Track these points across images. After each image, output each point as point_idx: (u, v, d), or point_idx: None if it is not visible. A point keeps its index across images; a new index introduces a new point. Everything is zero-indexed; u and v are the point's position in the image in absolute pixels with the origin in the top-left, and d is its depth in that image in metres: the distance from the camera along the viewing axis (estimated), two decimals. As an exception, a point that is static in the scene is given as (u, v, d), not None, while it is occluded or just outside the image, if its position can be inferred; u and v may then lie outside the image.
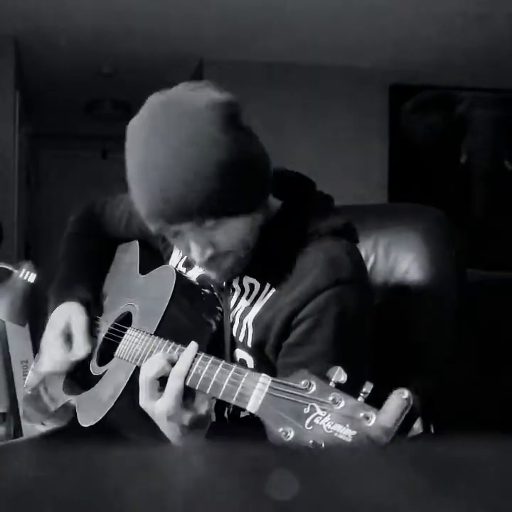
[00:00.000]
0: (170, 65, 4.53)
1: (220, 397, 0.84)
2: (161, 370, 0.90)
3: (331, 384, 0.73)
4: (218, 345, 1.05)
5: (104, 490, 0.23)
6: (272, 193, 1.08)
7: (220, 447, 0.28)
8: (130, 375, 1.01)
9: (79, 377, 1.20)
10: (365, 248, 1.28)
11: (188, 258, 1.05)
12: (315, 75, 4.47)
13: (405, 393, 0.67)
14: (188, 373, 0.88)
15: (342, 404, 0.71)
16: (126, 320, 1.15)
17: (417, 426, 0.68)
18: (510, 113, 4.65)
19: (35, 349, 1.26)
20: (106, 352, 1.16)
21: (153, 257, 1.24)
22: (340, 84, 4.52)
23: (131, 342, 1.05)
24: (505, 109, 4.64)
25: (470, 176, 4.63)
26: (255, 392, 0.78)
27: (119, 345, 1.09)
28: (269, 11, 3.70)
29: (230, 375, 0.83)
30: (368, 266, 1.27)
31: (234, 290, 1.06)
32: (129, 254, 1.28)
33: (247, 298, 1.04)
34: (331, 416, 0.71)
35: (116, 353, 1.09)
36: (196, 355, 0.88)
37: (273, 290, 1.02)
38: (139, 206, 0.98)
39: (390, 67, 4.45)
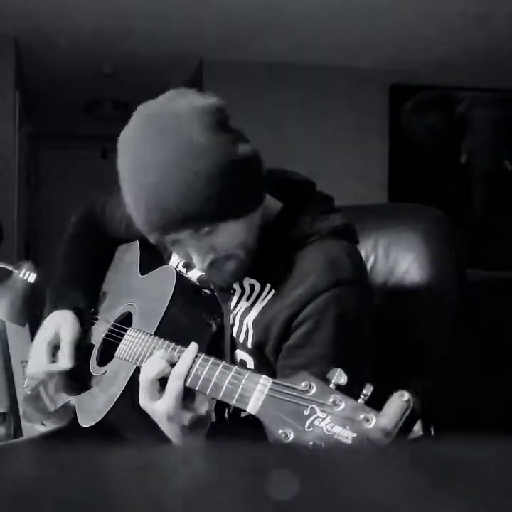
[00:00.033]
0: (170, 65, 4.53)
1: (220, 398, 0.84)
2: (161, 371, 0.90)
3: (331, 386, 0.72)
4: (219, 345, 1.05)
5: (104, 490, 0.23)
6: (272, 194, 1.08)
7: (220, 447, 0.28)
8: (130, 375, 1.01)
9: (79, 377, 1.20)
10: (365, 248, 1.28)
11: (190, 265, 1.05)
12: (315, 75, 4.47)
13: (405, 395, 0.67)
14: (188, 374, 0.88)
15: (342, 406, 0.71)
16: (126, 320, 1.15)
17: (417, 428, 0.68)
18: (510, 113, 4.65)
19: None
20: (106, 352, 1.16)
21: (153, 257, 1.24)
22: (340, 84, 4.52)
23: (131, 342, 1.05)
24: (505, 109, 4.64)
25: (470, 176, 4.63)
26: (255, 394, 0.78)
27: (119, 346, 1.09)
28: (269, 11, 3.70)
29: (230, 376, 0.83)
30: (368, 266, 1.27)
31: (234, 291, 1.06)
32: (130, 254, 1.28)
33: (248, 299, 1.04)
34: (331, 418, 0.71)
35: (117, 353, 1.09)
36: (196, 356, 0.88)
37: (273, 291, 1.02)
38: (135, 219, 0.98)
39: (390, 67, 4.45)
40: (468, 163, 4.63)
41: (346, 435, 0.69)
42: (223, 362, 0.86)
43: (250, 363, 1.04)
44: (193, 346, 0.90)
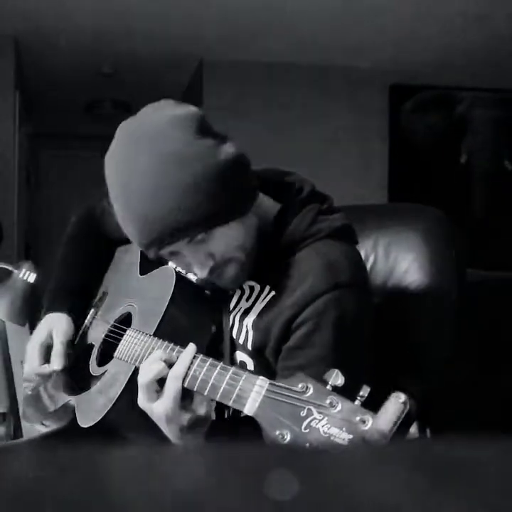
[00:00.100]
0: (170, 65, 4.53)
1: (217, 399, 0.84)
2: (158, 373, 0.89)
3: (328, 387, 0.73)
4: (218, 347, 1.05)
5: (104, 490, 0.23)
6: (270, 195, 1.08)
7: (220, 447, 0.28)
8: (129, 375, 1.01)
9: (79, 377, 1.20)
10: (365, 248, 1.28)
11: (192, 276, 1.05)
12: (315, 75, 4.47)
13: (402, 397, 0.67)
14: (186, 375, 0.88)
15: (339, 407, 0.71)
16: (126, 320, 1.15)
17: (414, 430, 0.68)
18: (510, 113, 4.65)
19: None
20: (106, 352, 1.16)
21: None
22: (340, 84, 4.52)
23: (131, 343, 1.05)
24: (505, 109, 4.64)
25: (470, 176, 4.63)
26: (253, 395, 0.78)
27: (119, 346, 1.09)
28: (269, 11, 3.70)
29: (227, 377, 0.83)
30: (368, 266, 1.27)
31: (234, 292, 1.06)
32: (129, 254, 1.28)
33: (247, 300, 1.04)
34: (328, 419, 0.71)
35: (116, 353, 1.09)
36: (195, 357, 0.88)
37: (273, 292, 1.01)
38: (130, 236, 0.99)
39: (390, 67, 4.45)
40: (468, 163, 4.63)
41: (343, 437, 0.69)
42: (221, 363, 0.86)
43: (250, 364, 1.04)
44: (192, 347, 0.90)
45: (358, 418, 0.69)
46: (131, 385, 0.95)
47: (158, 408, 0.89)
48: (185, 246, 0.96)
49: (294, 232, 1.03)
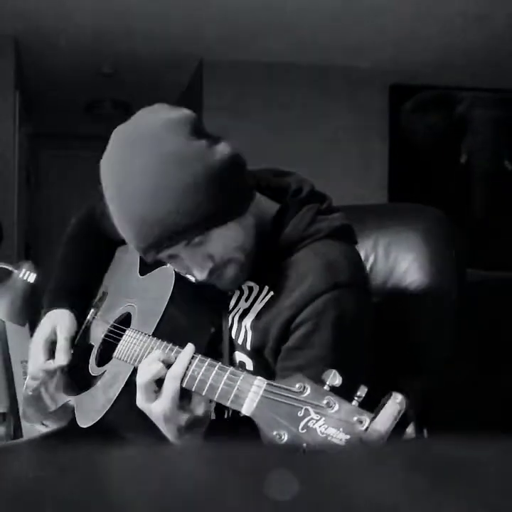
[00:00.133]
0: (170, 65, 4.53)
1: (215, 399, 0.84)
2: (157, 373, 0.89)
3: (326, 387, 0.73)
4: (217, 347, 1.05)
5: (104, 490, 0.23)
6: (268, 195, 1.08)
7: (220, 447, 0.28)
8: (128, 376, 1.01)
9: (78, 377, 1.20)
10: (365, 248, 1.28)
11: (192, 277, 1.05)
12: (315, 75, 4.47)
13: (398, 397, 0.67)
14: (185, 375, 0.87)
15: (336, 407, 0.71)
16: (125, 321, 1.15)
17: (410, 430, 0.68)
18: (510, 113, 4.65)
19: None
20: (105, 353, 1.16)
21: None
22: (340, 84, 4.52)
23: (130, 343, 1.05)
24: (505, 109, 4.64)
25: (470, 176, 4.63)
26: (250, 395, 0.78)
27: (118, 346, 1.09)
28: (269, 11, 3.70)
29: (225, 377, 0.83)
30: (368, 266, 1.27)
31: (233, 292, 1.06)
32: (129, 254, 1.28)
33: (246, 300, 1.04)
34: (325, 419, 0.71)
35: (115, 353, 1.09)
36: (193, 357, 0.88)
37: (271, 293, 1.01)
38: (127, 240, 0.99)
39: (390, 67, 4.45)
40: (468, 163, 4.63)
41: (340, 437, 0.69)
42: (219, 363, 0.86)
43: (249, 364, 1.04)
44: (190, 347, 0.90)
45: (355, 418, 0.69)
46: (131, 386, 0.95)
47: (156, 408, 0.89)
48: (183, 249, 0.96)
49: (292, 232, 1.03)
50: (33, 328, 1.81)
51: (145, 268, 1.19)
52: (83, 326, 1.26)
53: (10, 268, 1.74)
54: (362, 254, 1.27)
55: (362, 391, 0.70)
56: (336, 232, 1.03)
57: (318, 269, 0.97)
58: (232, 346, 1.05)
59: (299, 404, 0.73)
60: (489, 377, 2.13)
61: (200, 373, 0.86)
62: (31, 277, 1.72)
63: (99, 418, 1.02)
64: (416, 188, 4.39)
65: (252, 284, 1.04)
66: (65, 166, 6.00)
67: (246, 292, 1.04)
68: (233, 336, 1.05)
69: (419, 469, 0.25)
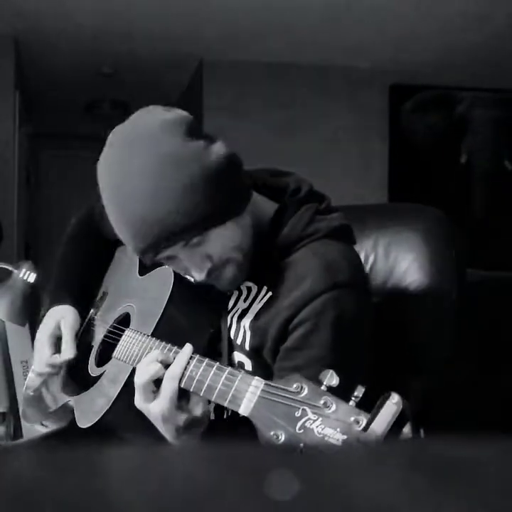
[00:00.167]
0: (170, 65, 4.53)
1: (213, 399, 0.84)
2: (155, 373, 0.89)
3: (323, 387, 0.73)
4: (216, 347, 1.05)
5: (104, 490, 0.23)
6: (267, 195, 1.08)
7: (220, 447, 0.28)
8: (127, 376, 1.01)
9: (78, 378, 1.20)
10: (365, 248, 1.28)
11: (190, 278, 1.05)
12: (315, 75, 4.47)
13: (395, 398, 0.67)
14: (183, 375, 0.87)
15: (333, 408, 0.71)
16: (125, 321, 1.15)
17: (407, 430, 0.68)
18: (510, 113, 4.65)
19: (35, 351, 1.26)
20: (105, 353, 1.16)
21: None
22: (340, 84, 4.52)
23: (129, 343, 1.05)
24: (505, 109, 4.64)
25: (470, 176, 4.63)
26: (248, 395, 0.78)
27: (117, 347, 1.09)
28: (269, 11, 3.70)
29: (223, 377, 0.83)
30: (368, 266, 1.27)
31: (232, 292, 1.06)
32: (129, 254, 1.28)
33: (245, 301, 1.04)
34: (322, 420, 0.71)
35: (114, 354, 1.09)
36: (191, 357, 0.88)
37: (270, 293, 1.01)
38: (124, 241, 0.99)
39: (390, 67, 4.45)
40: (468, 163, 4.63)
41: (337, 437, 0.69)
42: (217, 363, 0.86)
43: (248, 364, 1.03)
44: (188, 347, 0.90)
45: (352, 419, 0.69)
46: (130, 386, 0.95)
47: (154, 408, 0.89)
48: (180, 250, 0.96)
49: (290, 232, 1.02)
50: (33, 328, 1.81)
51: (144, 268, 1.19)
52: (83, 326, 1.26)
53: (10, 268, 1.74)
54: (362, 254, 1.27)
55: (359, 391, 0.70)
56: (334, 232, 1.03)
57: (316, 270, 0.97)
58: (231, 346, 1.05)
59: (296, 404, 0.73)
60: (489, 377, 2.13)
61: (198, 374, 0.86)
62: (31, 277, 1.72)
63: (98, 419, 1.02)
64: (416, 188, 4.39)
65: (250, 284, 1.04)
66: (65, 166, 6.00)
67: (245, 292, 1.04)
68: (232, 336, 1.05)
69: (419, 469, 0.25)
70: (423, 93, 4.57)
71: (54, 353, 1.17)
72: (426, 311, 1.21)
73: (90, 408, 1.06)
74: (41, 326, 1.22)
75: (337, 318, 0.95)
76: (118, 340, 1.10)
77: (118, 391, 1.01)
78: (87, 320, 1.27)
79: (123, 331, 1.11)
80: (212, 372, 0.85)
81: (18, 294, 1.73)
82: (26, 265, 1.74)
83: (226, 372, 0.83)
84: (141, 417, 0.92)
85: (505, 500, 0.23)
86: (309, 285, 0.96)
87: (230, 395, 0.81)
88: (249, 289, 1.04)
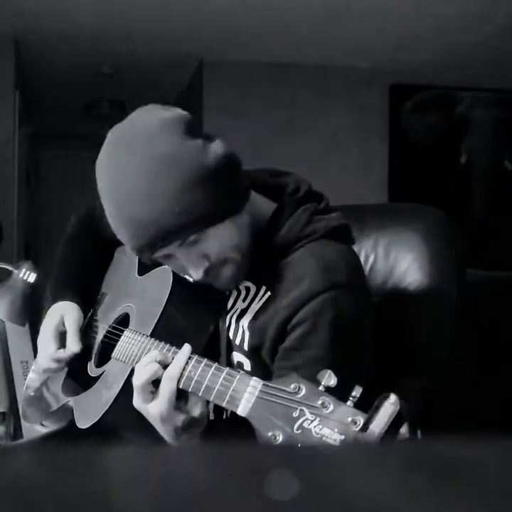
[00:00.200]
0: (170, 65, 4.53)
1: (211, 399, 0.84)
2: (153, 374, 0.89)
3: (321, 388, 0.73)
4: (215, 347, 1.05)
5: (104, 490, 0.23)
6: (265, 195, 1.08)
7: (220, 447, 0.28)
8: (126, 376, 1.00)
9: (77, 378, 1.20)
10: (365, 248, 1.28)
11: (189, 277, 1.05)
12: (315, 75, 4.47)
13: (393, 398, 0.67)
14: (181, 375, 0.87)
15: (331, 408, 0.71)
16: (124, 321, 1.15)
17: (404, 431, 0.68)
18: (510, 113, 4.65)
19: (35, 349, 1.25)
20: (104, 353, 1.16)
21: None
22: (340, 84, 4.52)
23: (128, 343, 1.05)
24: (505, 109, 4.64)
25: (470, 176, 4.63)
26: (246, 396, 0.78)
27: (116, 347, 1.09)
28: (269, 11, 3.70)
29: (221, 378, 0.83)
30: (368, 266, 1.27)
31: (230, 292, 1.06)
32: (128, 254, 1.28)
33: (243, 301, 1.04)
34: (320, 420, 0.71)
35: (114, 354, 1.09)
36: (190, 358, 0.88)
37: (269, 293, 1.01)
38: (122, 239, 0.99)
39: (390, 67, 4.45)
40: (468, 163, 4.63)
41: (334, 437, 0.69)
42: (216, 364, 0.86)
43: (247, 364, 1.03)
44: (187, 348, 0.90)
45: (349, 419, 0.69)
46: (129, 386, 0.95)
47: (153, 409, 0.89)
48: (178, 248, 0.96)
49: (289, 232, 1.02)
50: (33, 328, 1.81)
51: (143, 268, 1.19)
52: (82, 326, 1.26)
53: (10, 268, 1.74)
54: (362, 254, 1.27)
55: (357, 391, 0.70)
56: (333, 232, 1.03)
57: (314, 270, 0.97)
58: (230, 346, 1.05)
59: (294, 404, 0.73)
60: (489, 377, 2.13)
61: (197, 374, 0.86)
62: (31, 277, 1.72)
63: (97, 419, 1.02)
64: (416, 188, 4.39)
65: (249, 284, 1.04)
66: (65, 166, 6.00)
67: (243, 292, 1.04)
68: (231, 337, 1.05)
69: (419, 469, 0.25)
70: (423, 93, 4.57)
71: (59, 348, 1.17)
72: (426, 311, 1.21)
73: (89, 409, 1.06)
74: (44, 321, 1.21)
75: (335, 319, 0.95)
76: (117, 341, 1.10)
77: (117, 391, 1.01)
78: (86, 320, 1.27)
79: (122, 331, 1.11)
80: (210, 372, 0.85)
81: (18, 294, 1.73)
82: (26, 265, 1.74)
83: (224, 373, 0.83)
84: (140, 417, 0.92)
85: (505, 500, 0.23)
86: (307, 285, 0.96)
87: (228, 395, 0.81)
88: (247, 289, 1.04)
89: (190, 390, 0.87)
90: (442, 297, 1.19)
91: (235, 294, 1.05)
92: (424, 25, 3.86)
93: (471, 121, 4.61)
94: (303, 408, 0.72)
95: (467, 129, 4.60)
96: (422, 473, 0.25)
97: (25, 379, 1.38)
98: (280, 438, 0.72)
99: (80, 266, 1.31)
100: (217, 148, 0.96)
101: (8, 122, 4.07)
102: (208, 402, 0.88)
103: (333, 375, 0.73)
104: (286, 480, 0.23)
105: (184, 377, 0.87)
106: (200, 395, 0.85)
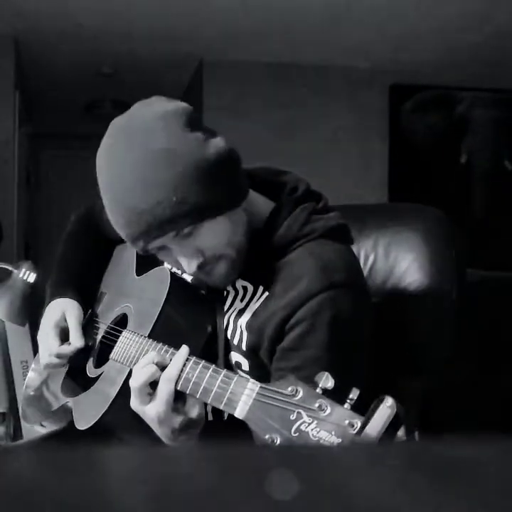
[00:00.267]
0: (170, 65, 4.53)
1: (209, 402, 0.83)
2: (151, 376, 0.89)
3: (318, 390, 0.72)
4: (213, 347, 1.05)
5: (104, 490, 0.23)
6: (264, 194, 1.07)
7: (220, 447, 0.28)
8: (124, 378, 1.00)
9: (76, 378, 1.19)
10: (365, 248, 1.28)
11: (180, 271, 1.04)
12: (315, 75, 4.47)
13: (389, 401, 0.67)
14: (179, 377, 0.87)
15: (328, 411, 0.70)
16: (122, 321, 1.15)
17: (401, 433, 0.68)
18: (510, 113, 4.65)
19: (35, 349, 1.25)
20: (102, 354, 1.15)
21: (149, 257, 1.23)
22: (340, 84, 4.52)
23: (126, 344, 1.05)
24: (505, 109, 4.64)
25: (470, 176, 4.63)
26: (243, 398, 0.78)
27: (114, 348, 1.09)
28: (269, 11, 3.70)
29: (219, 380, 0.83)
30: (368, 266, 1.27)
31: (228, 292, 1.05)
32: (126, 254, 1.28)
33: (241, 301, 1.04)
34: (317, 423, 0.71)
35: (112, 355, 1.09)
36: (187, 359, 0.88)
37: (266, 293, 1.01)
38: (118, 229, 0.99)
39: (390, 67, 4.45)
40: (468, 163, 4.63)
41: (331, 440, 0.69)
42: (213, 366, 0.86)
43: (245, 364, 1.03)
44: (184, 349, 0.89)
45: (346, 422, 0.69)
46: (127, 388, 0.95)
47: (150, 411, 0.89)
48: (172, 240, 0.96)
49: (286, 232, 1.02)
50: (33, 328, 1.81)
51: (141, 268, 1.18)
52: (83, 324, 1.26)
53: (10, 268, 1.74)
54: (362, 254, 1.27)
55: (354, 394, 0.70)
56: (331, 231, 1.03)
57: (313, 270, 0.97)
58: (228, 347, 1.05)
59: (291, 407, 0.73)
60: (489, 377, 2.13)
61: (195, 376, 0.86)
62: (31, 277, 1.72)
63: (95, 420, 1.01)
64: (416, 188, 4.39)
65: (246, 283, 1.04)
66: (65, 166, 6.00)
67: (241, 292, 1.04)
68: (229, 337, 1.04)
69: (419, 469, 0.25)
70: (423, 93, 4.57)
71: (61, 344, 1.16)
72: (426, 311, 1.21)
73: (88, 410, 1.06)
74: (44, 317, 1.20)
75: (333, 318, 0.95)
76: (115, 341, 1.10)
77: (116, 393, 1.01)
78: (86, 319, 1.27)
79: (120, 331, 1.11)
80: (208, 374, 0.85)
81: (18, 294, 1.73)
82: (26, 265, 1.74)
83: (222, 375, 0.83)
84: (139, 418, 0.92)
85: (505, 500, 0.23)
86: (305, 285, 0.96)
87: (226, 397, 0.81)
88: (245, 289, 1.04)
89: (187, 392, 0.87)
90: (442, 297, 1.19)
91: (232, 293, 1.05)
92: (424, 25, 3.85)
93: (471, 121, 4.60)
94: (300, 411, 0.72)
95: (467, 129, 4.60)
96: (422, 473, 0.25)
97: (25, 379, 1.38)
98: (277, 441, 0.72)
99: (80, 264, 1.31)
100: (218, 142, 0.96)
101: (8, 122, 4.07)
102: (205, 404, 0.88)
103: (330, 377, 0.73)
104: (287, 480, 0.23)
105: (182, 379, 0.87)
106: (197, 396, 0.85)
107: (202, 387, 0.84)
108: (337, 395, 0.72)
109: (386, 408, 0.66)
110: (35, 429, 1.40)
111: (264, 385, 0.77)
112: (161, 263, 1.17)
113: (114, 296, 1.24)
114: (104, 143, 0.98)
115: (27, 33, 4.01)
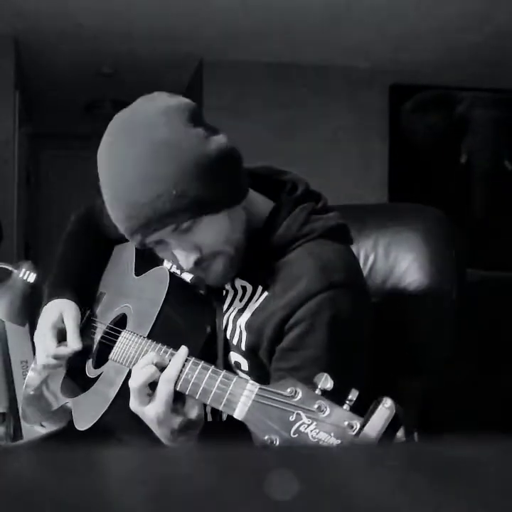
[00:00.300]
0: (170, 65, 4.53)
1: (208, 402, 0.83)
2: (150, 376, 0.89)
3: (317, 391, 0.72)
4: (212, 347, 1.05)
5: (104, 491, 0.23)
6: (263, 193, 1.07)
7: (219, 448, 0.28)
8: (123, 378, 1.00)
9: (76, 378, 1.19)
10: (365, 248, 1.28)
11: (177, 267, 1.04)
12: (315, 75, 4.47)
13: (388, 402, 0.67)
14: (178, 378, 0.87)
15: (327, 412, 0.70)
16: (121, 322, 1.15)
17: (400, 434, 0.67)
18: (510, 113, 4.65)
19: (35, 349, 1.25)
20: (102, 354, 1.15)
21: (148, 257, 1.23)
22: (340, 84, 4.52)
23: (125, 345, 1.04)
24: (505, 109, 4.64)
25: (470, 176, 4.63)
26: (242, 399, 0.78)
27: (114, 348, 1.09)
28: (269, 11, 3.70)
29: (218, 381, 0.83)
30: (368, 266, 1.27)
31: (227, 292, 1.05)
32: (125, 254, 1.27)
33: (241, 300, 1.03)
34: (316, 424, 0.70)
35: (111, 355, 1.08)
36: (187, 360, 0.88)
37: (265, 293, 1.00)
38: (117, 223, 0.99)
39: (390, 67, 4.45)
40: (468, 163, 4.63)
41: (331, 442, 0.69)
42: (212, 366, 0.86)
43: (244, 365, 1.03)
44: (184, 350, 0.89)
45: (345, 423, 0.69)
46: (126, 388, 0.95)
47: (149, 411, 0.89)
48: (170, 234, 0.95)
49: (286, 231, 1.02)
50: (33, 328, 1.81)
51: (140, 268, 1.18)
52: (80, 326, 1.25)
53: (10, 268, 1.74)
54: (362, 254, 1.27)
55: (353, 395, 0.70)
56: (330, 231, 1.03)
57: (312, 270, 0.97)
58: (227, 347, 1.04)
59: (290, 408, 0.73)
60: (489, 377, 2.13)
61: (194, 376, 0.86)
62: (31, 277, 1.72)
63: (94, 421, 1.01)
64: (416, 188, 4.39)
65: (245, 283, 1.03)
66: (65, 166, 6.00)
67: (240, 292, 1.04)
68: (228, 337, 1.04)
69: (419, 469, 0.25)
70: (423, 93, 4.57)
71: (59, 345, 1.15)
72: (426, 311, 1.21)
73: (88, 410, 1.06)
74: (41, 317, 1.20)
75: (333, 319, 0.94)
76: (115, 342, 1.10)
77: (115, 393, 1.00)
78: (84, 319, 1.27)
79: (120, 332, 1.10)
80: (207, 375, 0.84)
81: (18, 294, 1.73)
82: (26, 265, 1.74)
83: (221, 376, 0.83)
84: (138, 419, 0.92)
85: (505, 500, 0.23)
86: (305, 285, 0.96)
87: (225, 398, 0.81)
88: (244, 289, 1.03)
89: (187, 393, 0.86)
90: (442, 297, 1.19)
91: (231, 293, 1.05)
92: (424, 25, 3.86)
93: (471, 121, 4.61)
94: (299, 412, 0.72)
95: (467, 129, 4.60)
96: (422, 474, 0.25)
97: (25, 379, 1.38)
98: (277, 442, 0.72)
99: (79, 264, 1.31)
100: (219, 139, 0.96)
101: (8, 122, 4.07)
102: (204, 404, 0.88)
103: (329, 378, 0.73)
104: (287, 480, 0.23)
105: (181, 380, 0.87)
106: (196, 397, 0.85)
107: (201, 388, 0.84)
108: (336, 396, 0.72)
109: (385, 409, 0.66)
110: (35, 429, 1.40)
111: (263, 387, 0.77)
112: (160, 263, 1.17)
113: (113, 297, 1.24)
114: (105, 138, 0.99)
115: (27, 33, 4.01)
